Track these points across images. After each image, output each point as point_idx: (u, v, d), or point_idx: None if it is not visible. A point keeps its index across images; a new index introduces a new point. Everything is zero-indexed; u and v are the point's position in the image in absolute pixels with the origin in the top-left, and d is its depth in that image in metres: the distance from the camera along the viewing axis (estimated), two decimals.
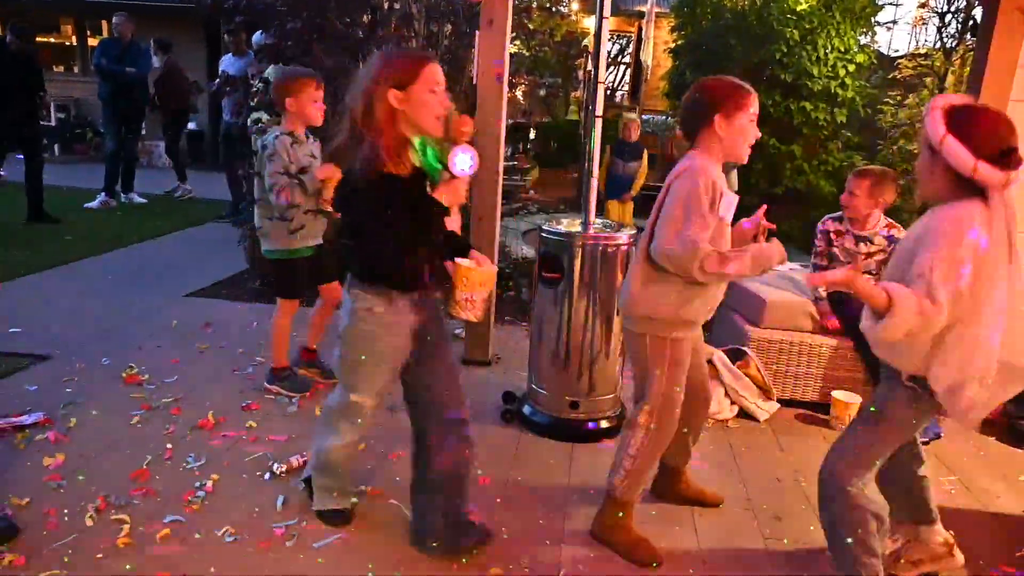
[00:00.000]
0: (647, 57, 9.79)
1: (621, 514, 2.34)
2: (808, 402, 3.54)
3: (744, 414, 3.39)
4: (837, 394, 3.36)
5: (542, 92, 15.98)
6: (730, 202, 2.12)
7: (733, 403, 3.39)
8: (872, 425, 1.97)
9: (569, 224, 3.11)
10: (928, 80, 4.74)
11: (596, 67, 2.97)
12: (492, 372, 3.79)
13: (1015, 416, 3.33)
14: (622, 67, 14.92)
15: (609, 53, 15.80)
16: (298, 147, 3.08)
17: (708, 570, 2.28)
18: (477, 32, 3.48)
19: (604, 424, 3.12)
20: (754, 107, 2.11)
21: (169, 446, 2.81)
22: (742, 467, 2.95)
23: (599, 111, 2.98)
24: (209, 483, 2.56)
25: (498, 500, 2.59)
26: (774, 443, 3.20)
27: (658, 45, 9.90)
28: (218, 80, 6.79)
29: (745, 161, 2.19)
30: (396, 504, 2.51)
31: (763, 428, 3.34)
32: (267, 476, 2.64)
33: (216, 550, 2.22)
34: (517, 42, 15.01)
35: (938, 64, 4.57)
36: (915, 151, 5.43)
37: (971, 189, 1.74)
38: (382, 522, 2.41)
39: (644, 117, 8.86)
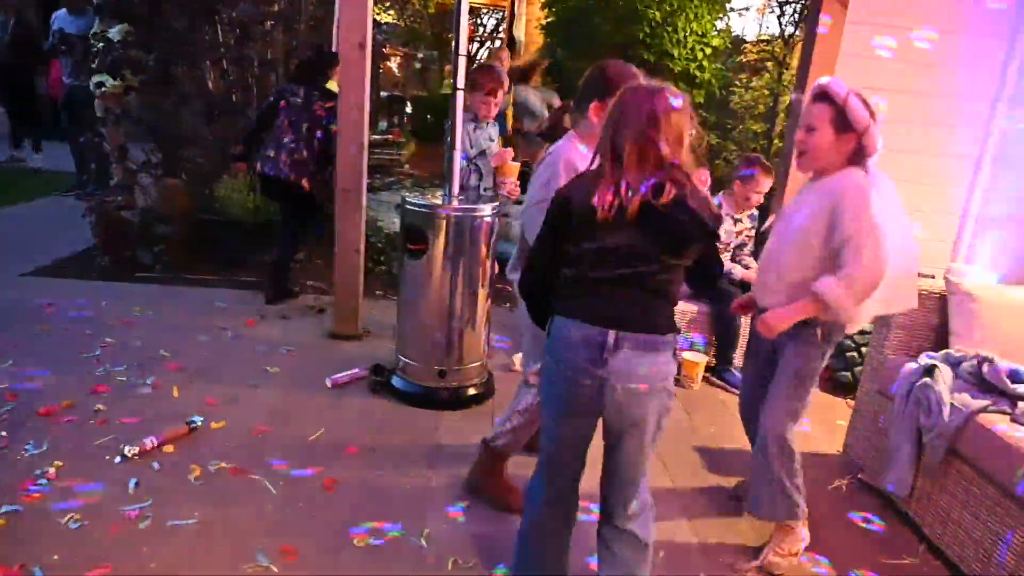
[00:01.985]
0: (520, 33, 9.87)
1: (497, 466, 2.47)
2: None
3: None
4: (686, 355, 3.62)
5: (417, 65, 15.81)
6: None
7: None
8: (799, 381, 2.20)
9: (432, 196, 3.14)
10: (770, 65, 5.13)
11: (457, 40, 2.98)
12: (361, 346, 3.78)
13: (836, 368, 3.73)
14: (498, 42, 14.96)
15: (485, 27, 15.82)
16: (479, 131, 3.34)
17: None
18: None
19: (471, 391, 3.21)
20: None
21: (4, 434, 2.60)
22: None
23: (460, 83, 3.01)
24: (52, 470, 2.40)
25: (366, 465, 2.62)
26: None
27: (531, 21, 10.01)
28: (51, 39, 6.19)
29: None
30: (258, 479, 2.47)
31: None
32: (118, 460, 2.51)
33: (59, 536, 2.10)
34: (392, 12, 14.69)
35: (779, 50, 4.96)
36: (758, 130, 5.91)
37: (857, 158, 2.04)
38: (244, 500, 2.37)
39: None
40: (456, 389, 3.17)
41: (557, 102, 6.09)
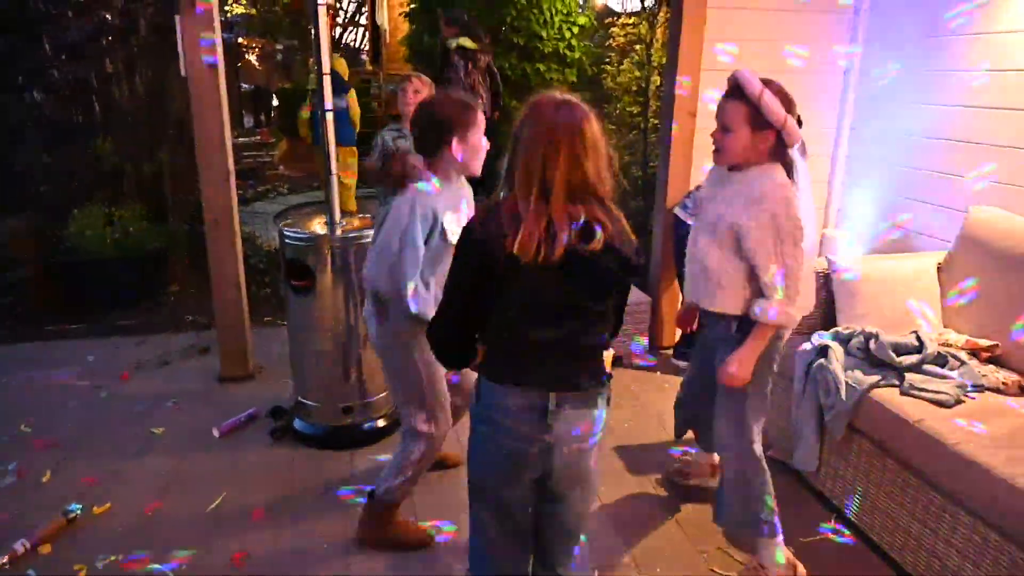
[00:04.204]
0: (383, 20, 9.53)
1: (388, 515, 2.37)
2: None
3: None
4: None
5: (278, 57, 14.99)
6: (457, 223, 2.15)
7: None
8: (750, 389, 2.14)
9: (314, 223, 2.95)
10: (638, 47, 5.18)
11: (316, 27, 2.73)
12: (255, 386, 3.53)
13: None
14: (360, 29, 14.42)
15: (345, 12, 15.18)
16: (403, 140, 3.34)
17: None
18: (177, 17, 3.07)
19: (381, 423, 3.07)
20: (482, 120, 2.15)
21: None
22: None
23: (326, 68, 2.75)
24: None
25: (276, 528, 2.44)
26: None
27: (394, 7, 9.68)
28: None
29: (479, 174, 2.20)
30: (156, 571, 2.25)
31: None
32: None
33: None
34: (243, 2, 13.80)
35: (644, 32, 5.02)
36: (634, 112, 5.99)
37: (778, 151, 1.99)
38: None
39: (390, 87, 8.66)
40: (363, 424, 3.02)
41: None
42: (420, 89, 3.35)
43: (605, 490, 2.73)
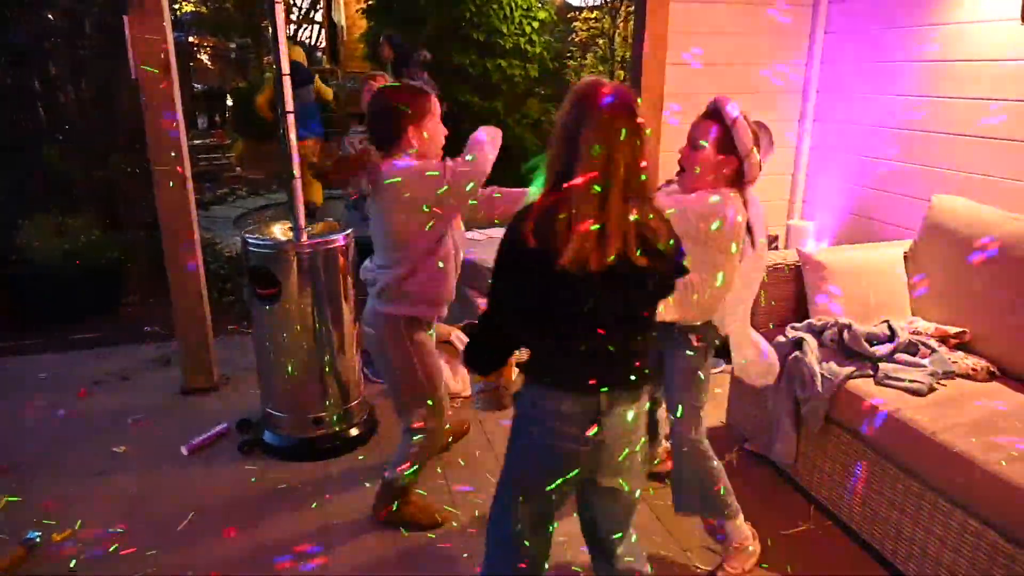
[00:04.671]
0: (339, 17, 9.35)
1: (403, 492, 2.43)
2: None
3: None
4: None
5: (232, 56, 14.63)
6: None
7: None
8: (687, 384, 2.17)
9: (278, 228, 2.85)
10: (601, 42, 5.16)
11: (274, 26, 2.62)
12: (221, 397, 3.42)
13: None
14: (316, 26, 14.15)
15: (300, 8, 14.88)
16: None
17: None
18: (125, 17, 2.94)
19: (354, 432, 2.99)
20: (438, 107, 2.13)
21: None
22: (496, 442, 3.05)
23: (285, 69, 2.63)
24: None
25: (250, 546, 2.35)
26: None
27: (351, 4, 9.51)
28: None
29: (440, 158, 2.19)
30: None
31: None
32: None
33: None
34: (193, 0, 13.42)
35: (607, 26, 5.00)
36: None
37: (736, 181, 1.99)
38: None
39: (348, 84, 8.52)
40: (337, 434, 2.94)
41: None
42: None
43: None
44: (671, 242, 1.45)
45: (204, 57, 14.34)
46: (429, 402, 2.33)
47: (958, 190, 2.92)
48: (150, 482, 2.73)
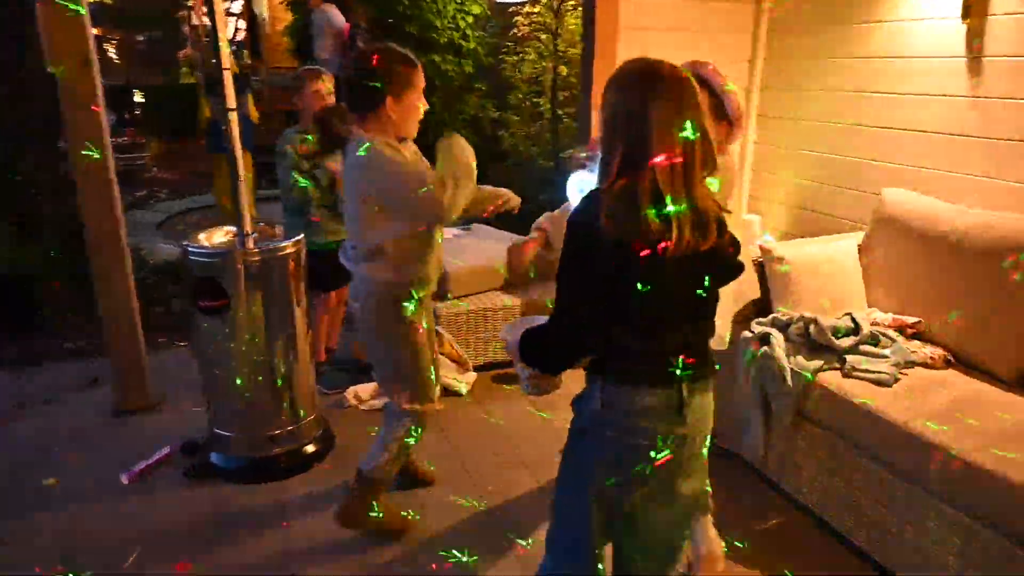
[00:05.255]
0: (261, 9, 8.95)
1: (376, 492, 2.32)
2: (500, 361, 3.67)
3: (447, 391, 3.38)
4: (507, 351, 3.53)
5: (143, 48, 13.81)
6: None
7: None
8: None
9: (219, 236, 2.66)
10: (544, 36, 5.11)
11: (212, 19, 2.41)
12: (159, 418, 3.17)
13: None
14: (233, 18, 13.52)
15: None
16: (308, 144, 3.05)
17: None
18: (38, 5, 2.66)
19: (310, 449, 2.83)
20: (422, 79, 2.05)
21: None
22: (460, 446, 2.95)
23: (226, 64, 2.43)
24: None
25: None
26: (480, 412, 3.25)
27: None
28: None
29: (414, 135, 2.12)
30: None
31: (467, 400, 3.38)
32: None
33: None
34: None
35: (549, 20, 4.96)
36: (542, 103, 5.92)
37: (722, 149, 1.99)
38: None
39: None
40: (292, 452, 2.77)
41: None
42: (327, 84, 3.11)
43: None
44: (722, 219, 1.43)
45: (111, 51, 13.50)
46: (419, 382, 2.23)
47: (904, 183, 3.01)
48: (87, 517, 2.50)
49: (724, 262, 1.47)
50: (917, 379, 2.39)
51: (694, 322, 1.46)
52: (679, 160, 1.29)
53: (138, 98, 12.00)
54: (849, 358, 2.44)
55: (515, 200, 2.35)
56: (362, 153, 1.97)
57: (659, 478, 1.48)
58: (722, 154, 1.98)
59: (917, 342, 2.60)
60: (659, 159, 1.29)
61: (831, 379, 2.40)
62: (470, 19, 7.03)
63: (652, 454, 1.44)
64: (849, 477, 2.31)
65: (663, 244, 1.28)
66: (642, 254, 1.29)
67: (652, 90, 1.31)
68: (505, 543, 2.37)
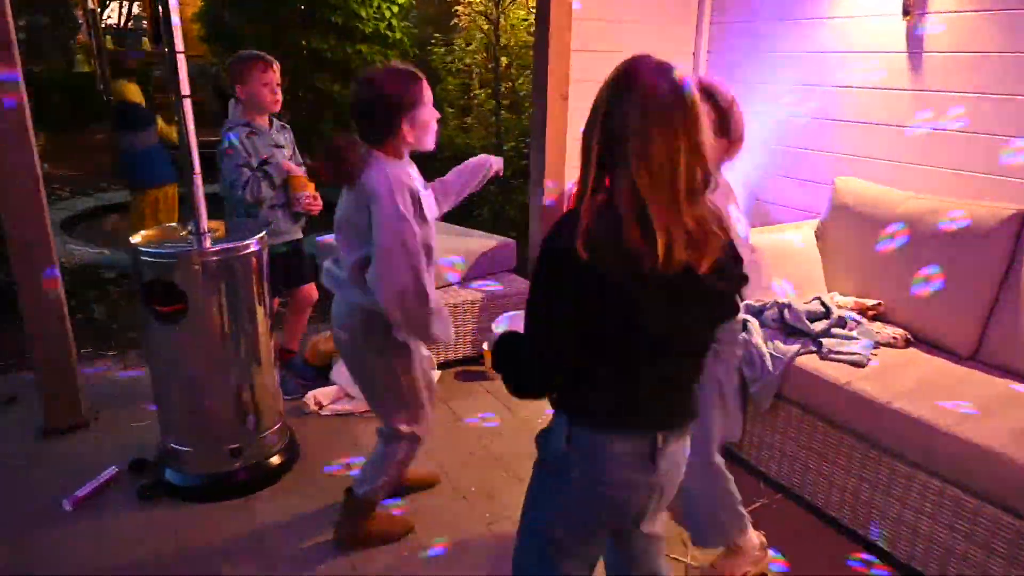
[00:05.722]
0: None
1: (369, 513, 2.25)
2: (461, 358, 3.58)
3: None
4: (487, 345, 3.46)
5: (22, 36, 12.67)
6: (429, 202, 2.01)
7: None
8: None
9: (171, 236, 2.44)
10: (486, 27, 5.02)
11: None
12: (96, 435, 2.89)
13: None
14: (124, 3, 12.62)
15: None
16: (256, 138, 2.84)
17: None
18: None
19: (276, 460, 2.65)
20: (429, 93, 1.94)
21: None
22: (434, 447, 2.84)
23: (180, 47, 2.23)
24: None
25: None
26: (448, 412, 3.15)
27: None
28: None
29: (433, 148, 2.01)
30: None
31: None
32: None
33: None
34: None
35: (490, 10, 4.86)
36: (480, 95, 5.82)
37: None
38: None
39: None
40: (257, 465, 2.58)
41: None
42: (278, 74, 2.90)
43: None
44: (736, 252, 1.29)
45: None
46: (416, 404, 2.13)
47: (853, 173, 3.13)
48: (29, 550, 2.23)
49: (719, 295, 1.26)
50: (886, 359, 2.49)
51: (679, 359, 1.31)
52: (668, 171, 1.14)
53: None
54: (825, 341, 2.52)
55: (497, 163, 2.36)
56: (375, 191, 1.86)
57: (621, 525, 1.42)
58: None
59: (879, 324, 2.72)
60: (634, 176, 1.14)
61: (808, 362, 2.46)
62: (395, 8, 6.85)
63: (619, 504, 1.34)
64: (827, 454, 2.38)
65: (648, 265, 1.14)
66: (621, 279, 1.16)
67: (643, 102, 1.15)
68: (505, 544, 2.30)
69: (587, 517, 1.36)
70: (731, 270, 1.27)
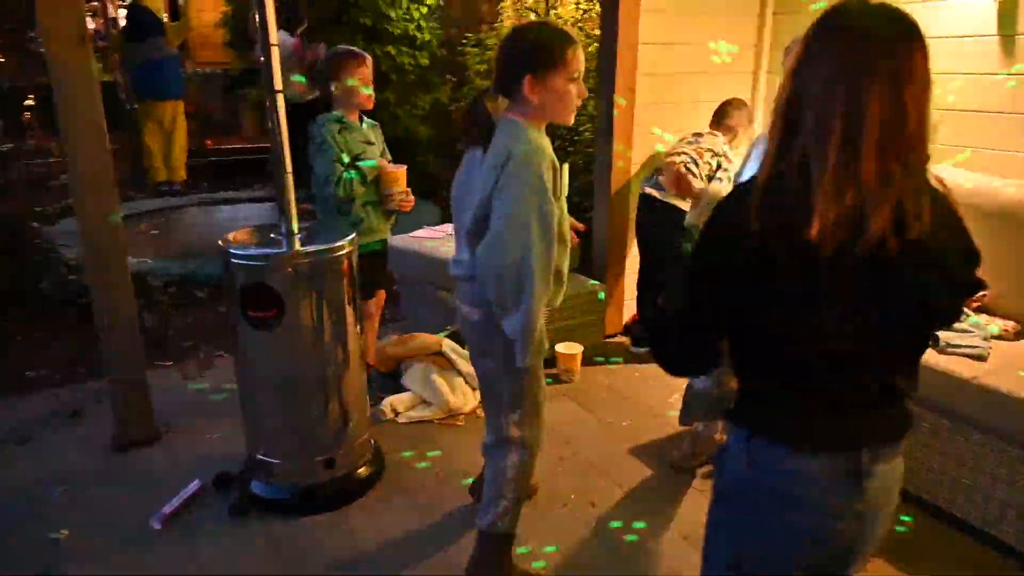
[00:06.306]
0: None
1: (505, 549, 2.02)
2: None
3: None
4: (560, 347, 3.35)
5: (29, 46, 12.58)
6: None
7: (475, 390, 3.12)
8: None
9: (253, 236, 2.35)
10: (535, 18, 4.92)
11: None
12: (169, 448, 2.77)
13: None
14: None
15: None
16: (348, 134, 2.74)
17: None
18: None
19: (363, 472, 2.53)
20: (576, 62, 1.73)
21: None
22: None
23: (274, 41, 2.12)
24: None
25: None
26: None
27: None
28: None
29: (571, 122, 1.85)
30: None
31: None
32: None
33: None
34: None
35: (540, 8, 4.76)
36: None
37: None
38: None
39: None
40: (346, 476, 2.47)
41: None
42: (371, 68, 2.80)
43: (648, 499, 2.49)
44: (957, 234, 1.06)
45: None
46: (524, 409, 1.96)
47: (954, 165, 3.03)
48: (120, 571, 2.12)
49: (919, 289, 1.02)
50: (1002, 351, 2.39)
51: (888, 357, 1.09)
52: (837, 136, 0.97)
53: (30, 101, 10.92)
54: (941, 334, 2.41)
55: None
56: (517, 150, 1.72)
57: (824, 566, 1.18)
58: None
59: (985, 316, 2.61)
60: (804, 134, 1.00)
61: (926, 357, 2.35)
62: (424, 10, 6.75)
63: (818, 538, 1.14)
64: (950, 451, 2.27)
65: (814, 230, 0.95)
66: (807, 254, 0.96)
67: (827, 40, 1.01)
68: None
69: (782, 553, 1.17)
70: (945, 257, 1.04)
